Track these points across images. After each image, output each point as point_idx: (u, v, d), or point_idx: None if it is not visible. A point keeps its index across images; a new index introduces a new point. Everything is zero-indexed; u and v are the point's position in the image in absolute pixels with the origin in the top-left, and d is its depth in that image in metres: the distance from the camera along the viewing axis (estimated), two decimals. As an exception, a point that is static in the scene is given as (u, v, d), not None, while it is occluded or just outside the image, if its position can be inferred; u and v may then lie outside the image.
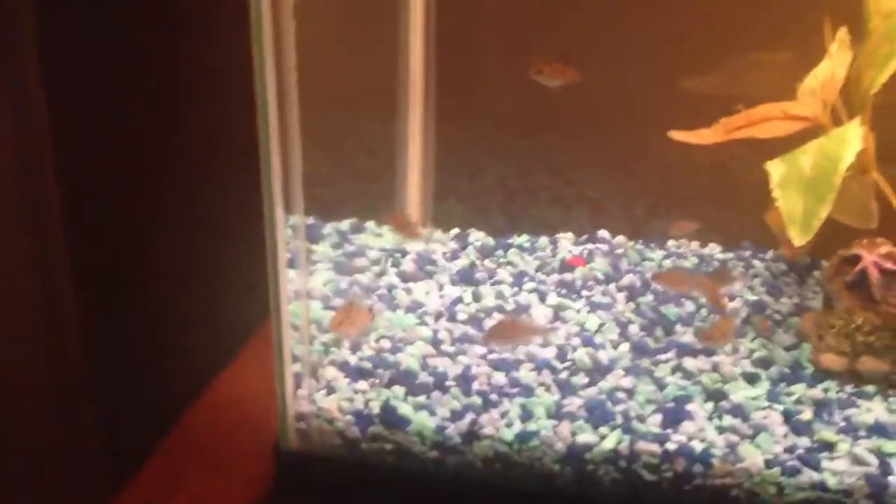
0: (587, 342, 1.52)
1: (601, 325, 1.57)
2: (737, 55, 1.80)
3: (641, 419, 1.34)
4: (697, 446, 1.29)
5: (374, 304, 1.63)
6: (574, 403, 1.38)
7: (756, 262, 1.75)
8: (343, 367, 1.48)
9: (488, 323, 1.58)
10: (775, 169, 1.42)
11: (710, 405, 1.37)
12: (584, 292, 1.67)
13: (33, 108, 1.25)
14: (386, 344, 1.53)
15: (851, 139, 1.39)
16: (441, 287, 1.69)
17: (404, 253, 1.80)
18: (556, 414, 1.36)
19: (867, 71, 1.43)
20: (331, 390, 1.43)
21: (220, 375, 1.71)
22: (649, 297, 1.65)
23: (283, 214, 1.31)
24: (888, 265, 1.42)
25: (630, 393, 1.40)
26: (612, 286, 1.68)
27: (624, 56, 1.95)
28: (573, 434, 1.32)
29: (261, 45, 1.20)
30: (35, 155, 1.27)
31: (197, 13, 1.55)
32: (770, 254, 1.78)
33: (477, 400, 1.39)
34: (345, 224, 1.91)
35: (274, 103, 1.25)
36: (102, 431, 1.45)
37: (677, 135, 1.53)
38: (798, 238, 1.37)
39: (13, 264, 1.28)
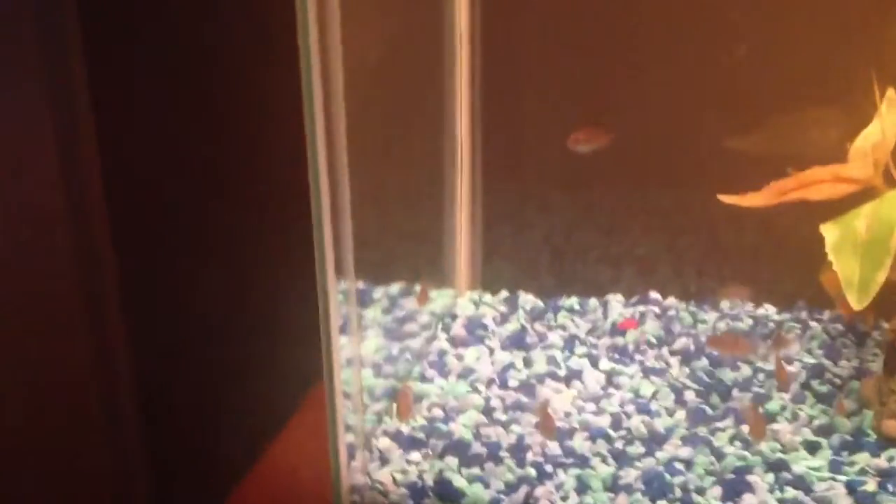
0: (642, 409, 1.51)
1: (655, 392, 1.55)
2: (783, 113, 1.79)
3: (701, 492, 1.32)
4: (759, 520, 1.27)
5: (425, 372, 1.63)
6: (630, 475, 1.36)
7: (813, 324, 1.73)
8: (396, 436, 1.48)
9: (539, 390, 1.57)
10: (829, 233, 1.41)
11: (771, 476, 1.34)
12: (637, 356, 1.66)
13: (85, 162, 1.26)
14: (438, 413, 1.52)
15: (908, 202, 1.37)
16: (492, 352, 1.69)
17: (454, 317, 1.80)
18: (613, 486, 1.34)
19: (921, 133, 1.41)
20: (384, 461, 1.43)
21: (273, 442, 1.72)
22: (704, 362, 1.62)
23: (334, 277, 1.32)
24: (951, 330, 1.39)
25: (688, 464, 1.38)
26: (665, 350, 1.67)
27: (672, 113, 1.95)
28: (631, 508, 1.30)
29: (311, 105, 1.20)
30: (90, 222, 1.29)
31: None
32: (827, 314, 1.75)
33: (531, 471, 1.38)
34: (395, 288, 1.91)
35: (325, 163, 1.25)
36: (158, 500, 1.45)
37: (727, 198, 1.53)
38: (856, 304, 1.34)
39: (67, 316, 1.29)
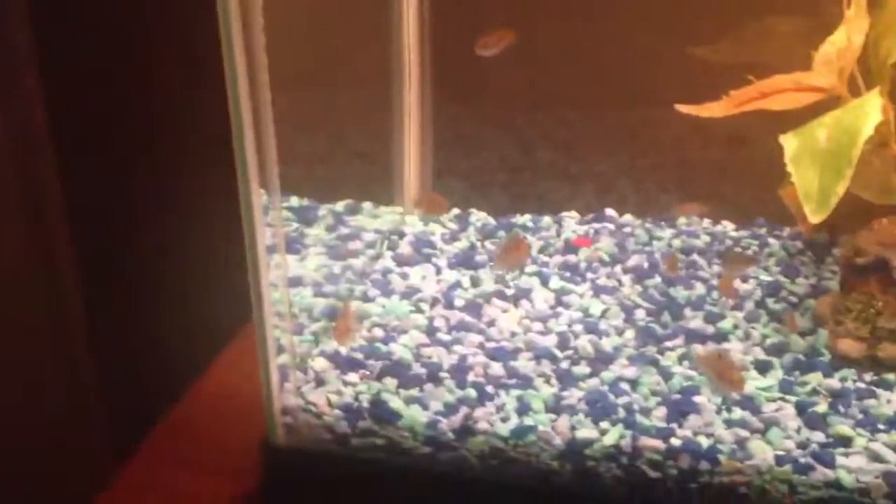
0: (590, 328, 1.45)
1: (605, 311, 1.49)
2: (750, 21, 1.71)
3: (645, 412, 1.27)
4: (704, 442, 1.22)
5: (368, 291, 1.56)
6: (574, 396, 1.30)
7: (771, 241, 1.67)
8: (333, 357, 1.41)
9: (486, 310, 1.51)
10: (789, 142, 1.33)
11: (718, 397, 1.29)
12: (589, 275, 1.60)
13: (34, 120, 1.21)
14: (378, 333, 1.46)
15: (870, 111, 1.30)
16: (438, 271, 1.62)
17: (401, 235, 1.73)
18: (555, 407, 1.29)
19: (885, 39, 1.33)
20: (319, 383, 1.37)
21: (213, 364, 1.66)
22: (657, 280, 1.56)
23: (259, 192, 1.23)
24: (910, 245, 1.33)
25: (634, 384, 1.32)
26: (618, 268, 1.60)
27: (633, 23, 1.86)
28: (572, 429, 1.25)
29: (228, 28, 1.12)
30: (36, 159, 1.24)
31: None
32: (786, 231, 1.69)
33: (472, 392, 1.32)
34: (340, 206, 1.83)
35: (245, 85, 1.17)
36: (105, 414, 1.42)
37: (685, 108, 1.45)
38: (814, 215, 1.27)
39: (18, 262, 1.25)
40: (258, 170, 1.22)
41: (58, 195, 1.28)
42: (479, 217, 1.80)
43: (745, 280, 1.55)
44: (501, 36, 1.46)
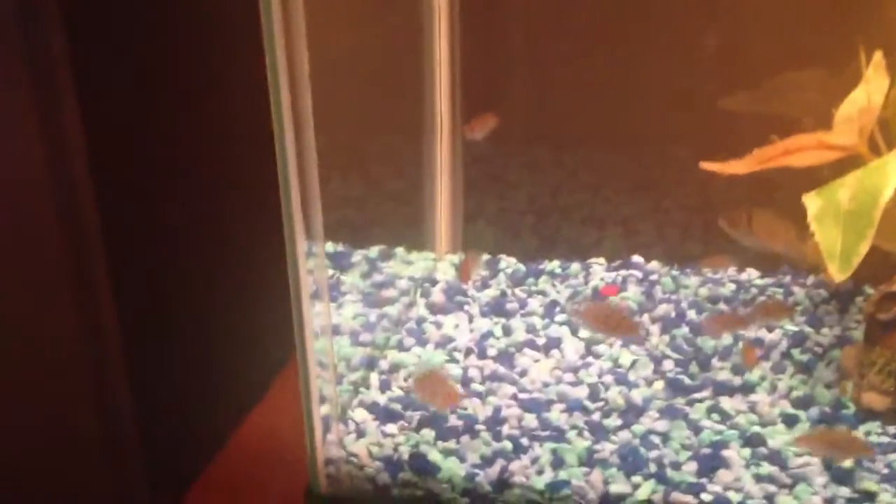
0: (620, 380, 1.49)
1: (634, 362, 1.53)
2: (774, 74, 1.75)
3: (676, 467, 1.31)
4: (734, 497, 1.26)
5: (403, 340, 1.61)
6: (606, 449, 1.35)
7: (796, 289, 1.71)
8: (372, 408, 1.46)
9: (518, 359, 1.56)
10: (812, 202, 1.37)
11: (747, 451, 1.33)
12: (618, 324, 1.64)
13: (73, 151, 1.26)
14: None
15: (891, 172, 1.34)
16: (471, 319, 1.67)
17: (434, 282, 1.78)
18: (588, 460, 1.34)
19: (906, 100, 1.37)
20: (360, 433, 1.42)
21: (254, 410, 1.71)
22: (684, 329, 1.61)
23: (303, 240, 1.28)
24: (932, 302, 1.37)
25: (664, 437, 1.37)
26: (645, 317, 1.65)
27: (663, 72, 1.91)
28: (605, 483, 1.30)
29: (276, 74, 1.17)
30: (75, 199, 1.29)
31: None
32: (811, 279, 1.72)
33: (507, 445, 1.37)
34: (374, 251, 1.89)
35: (292, 137, 1.22)
36: (144, 464, 1.46)
37: (709, 166, 1.49)
38: (838, 275, 1.32)
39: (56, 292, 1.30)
40: (303, 218, 1.27)
41: (101, 253, 1.33)
42: (508, 263, 1.85)
43: (771, 330, 1.59)
44: (485, 120, 1.59)
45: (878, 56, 1.48)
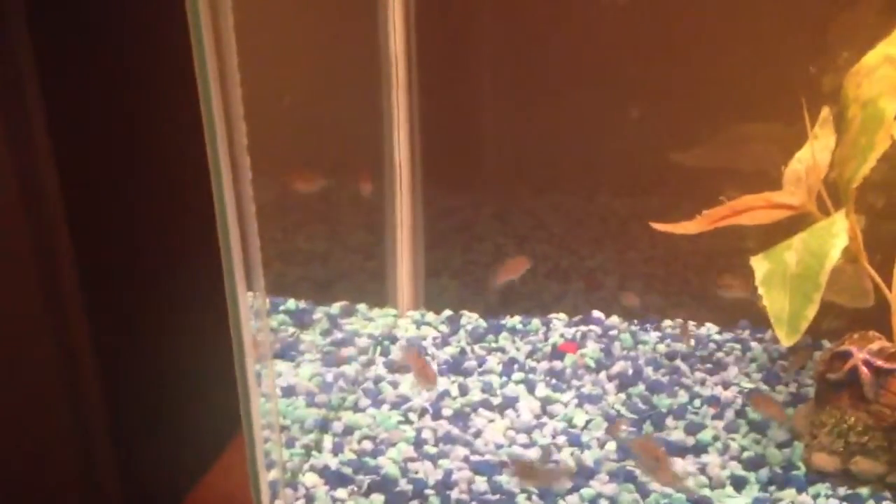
0: (573, 441, 1.49)
1: (588, 422, 1.53)
2: (726, 128, 1.77)
3: (623, 533, 1.31)
4: (679, 565, 1.25)
5: (359, 400, 1.60)
6: (554, 514, 1.34)
7: (754, 344, 1.70)
8: (323, 472, 1.46)
9: (473, 420, 1.55)
10: (759, 265, 1.38)
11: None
12: (574, 382, 1.64)
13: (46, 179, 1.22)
14: (368, 446, 1.50)
15: (837, 233, 1.34)
16: (428, 378, 1.67)
17: (394, 340, 1.78)
18: (536, 527, 1.33)
19: (849, 162, 1.38)
20: (309, 499, 1.41)
21: (209, 472, 1.70)
22: (640, 387, 1.60)
23: (247, 302, 1.24)
24: (879, 363, 1.37)
25: (612, 501, 1.36)
26: (602, 374, 1.65)
27: (628, 122, 1.93)
28: (552, 550, 1.29)
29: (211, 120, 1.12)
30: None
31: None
32: (768, 333, 1.72)
33: (456, 510, 1.36)
34: (335, 307, 1.89)
35: (229, 178, 1.19)
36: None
37: (661, 227, 1.50)
38: (786, 340, 1.32)
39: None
40: (244, 276, 1.23)
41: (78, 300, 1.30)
42: (469, 318, 1.85)
43: (726, 387, 1.59)
44: (519, 264, 1.70)
45: (825, 112, 1.49)
